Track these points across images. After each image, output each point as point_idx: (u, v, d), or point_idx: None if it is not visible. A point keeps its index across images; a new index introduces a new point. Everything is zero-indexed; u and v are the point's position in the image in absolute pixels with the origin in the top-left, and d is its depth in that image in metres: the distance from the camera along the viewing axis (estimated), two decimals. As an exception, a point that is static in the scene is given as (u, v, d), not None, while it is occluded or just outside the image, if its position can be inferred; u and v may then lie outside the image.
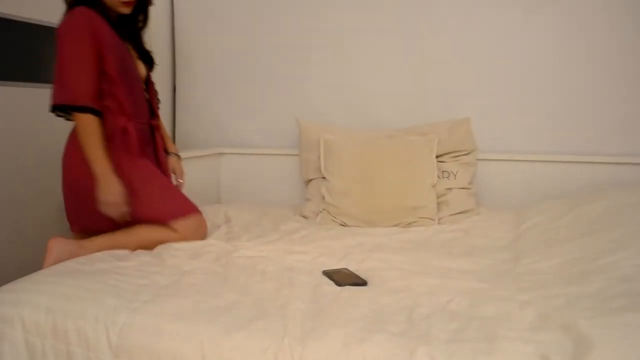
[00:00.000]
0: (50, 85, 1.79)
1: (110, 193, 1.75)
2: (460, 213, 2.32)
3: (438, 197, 2.33)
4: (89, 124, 1.77)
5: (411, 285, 1.45)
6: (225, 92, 2.99)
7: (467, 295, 1.34)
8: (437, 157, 2.38)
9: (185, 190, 2.12)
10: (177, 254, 1.72)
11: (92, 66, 1.76)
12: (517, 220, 2.09)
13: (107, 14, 1.83)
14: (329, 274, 1.55)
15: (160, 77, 3.04)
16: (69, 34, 1.75)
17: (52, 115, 1.86)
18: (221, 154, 2.98)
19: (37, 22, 2.54)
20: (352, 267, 1.65)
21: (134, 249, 1.81)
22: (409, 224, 2.24)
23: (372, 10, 2.66)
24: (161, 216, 1.85)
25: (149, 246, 1.82)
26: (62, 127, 2.01)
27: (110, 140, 1.82)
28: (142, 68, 2.02)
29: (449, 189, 2.36)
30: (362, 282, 1.49)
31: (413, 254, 1.80)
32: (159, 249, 1.79)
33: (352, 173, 2.35)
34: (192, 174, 2.60)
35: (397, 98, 2.66)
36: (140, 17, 2.01)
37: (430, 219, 2.25)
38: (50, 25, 2.56)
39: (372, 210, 2.28)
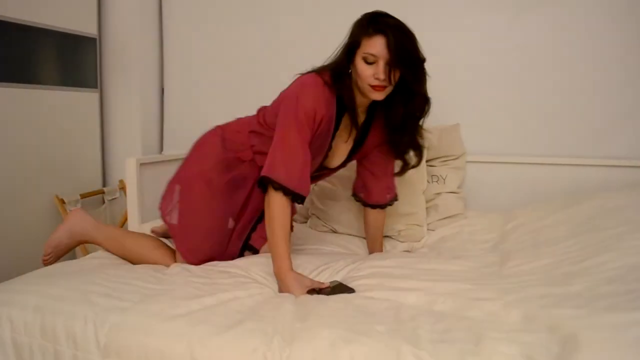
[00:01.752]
0: (36, 86, 1.79)
1: (290, 289, 1.50)
2: (449, 217, 2.33)
3: (427, 201, 2.34)
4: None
5: (398, 287, 1.45)
6: (214, 94, 2.99)
7: (454, 297, 1.35)
8: (426, 161, 2.38)
9: None
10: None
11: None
12: (505, 223, 2.11)
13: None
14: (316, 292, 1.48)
15: (148, 79, 3.05)
16: None
17: (46, 116, 1.87)
18: (209, 155, 2.97)
19: (24, 23, 2.54)
20: (342, 273, 1.65)
21: (128, 254, 1.80)
22: (398, 232, 2.24)
23: (360, 13, 2.67)
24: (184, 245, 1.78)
25: (139, 260, 1.78)
26: (56, 127, 2.01)
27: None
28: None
29: (438, 193, 2.37)
30: (349, 290, 1.47)
31: (400, 257, 1.82)
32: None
33: (340, 177, 2.34)
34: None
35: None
36: None
37: (418, 225, 2.26)
38: (36, 25, 2.56)
39: (362, 216, 2.27)
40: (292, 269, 1.52)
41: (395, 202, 2.04)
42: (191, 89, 3.06)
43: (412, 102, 1.69)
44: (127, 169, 2.30)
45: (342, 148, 1.83)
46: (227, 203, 1.80)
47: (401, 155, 1.83)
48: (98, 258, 1.74)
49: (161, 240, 1.90)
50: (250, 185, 1.83)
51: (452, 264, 1.70)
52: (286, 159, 1.59)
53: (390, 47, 1.54)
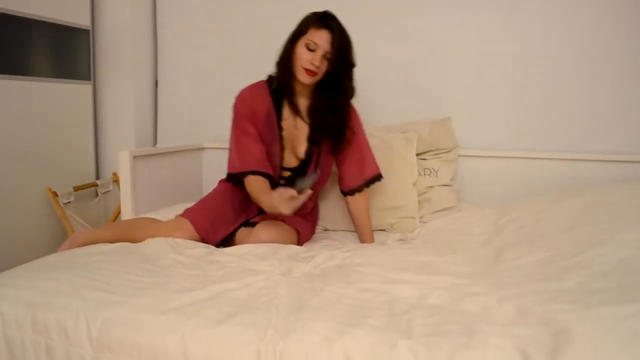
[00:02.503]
0: (29, 78, 1.78)
1: (278, 208, 1.76)
2: (442, 210, 2.33)
3: (419, 195, 2.34)
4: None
5: (393, 278, 1.46)
6: (207, 87, 2.99)
7: (448, 290, 1.35)
8: (418, 155, 2.38)
9: (168, 184, 2.13)
10: (159, 249, 1.72)
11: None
12: (498, 217, 2.11)
13: None
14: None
15: (142, 72, 3.04)
16: None
17: (39, 108, 1.89)
18: (203, 148, 2.97)
19: (16, 14, 2.51)
20: (335, 262, 1.66)
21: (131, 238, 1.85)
22: (390, 225, 2.24)
23: (353, 9, 2.66)
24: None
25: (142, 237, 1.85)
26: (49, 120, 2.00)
27: None
28: None
29: (431, 186, 2.37)
30: (315, 175, 1.77)
31: (394, 250, 1.82)
32: (141, 244, 1.78)
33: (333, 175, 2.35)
34: (174, 168, 2.60)
35: (378, 97, 2.67)
36: None
37: (411, 217, 2.26)
38: (29, 17, 2.54)
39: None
40: (271, 194, 1.80)
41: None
42: (185, 81, 3.05)
43: (342, 93, 1.98)
44: (120, 162, 2.28)
45: (297, 135, 2.03)
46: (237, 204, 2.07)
47: (333, 135, 2.03)
48: (90, 250, 1.73)
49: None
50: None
51: (446, 256, 1.70)
52: (238, 153, 1.97)
53: (333, 43, 1.86)
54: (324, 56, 1.86)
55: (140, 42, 3.02)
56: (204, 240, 1.90)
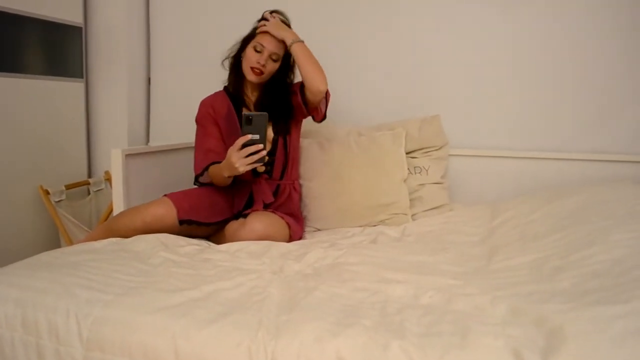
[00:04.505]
0: (21, 75, 1.77)
1: (235, 164, 1.86)
2: (434, 209, 2.33)
3: (411, 193, 2.33)
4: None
5: (385, 279, 1.45)
6: (200, 85, 2.96)
7: (441, 290, 1.35)
8: (408, 153, 2.38)
9: (161, 182, 2.28)
10: (150, 246, 1.71)
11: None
12: (491, 216, 2.11)
13: None
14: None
15: (135, 69, 3.02)
16: None
17: (31, 105, 1.88)
18: (196, 146, 2.96)
19: (8, 11, 2.50)
20: (328, 261, 1.66)
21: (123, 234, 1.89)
22: (382, 221, 2.24)
23: (343, 8, 2.67)
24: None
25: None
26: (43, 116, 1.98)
27: None
28: None
29: (422, 184, 2.37)
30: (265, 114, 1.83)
31: (387, 249, 1.81)
32: (132, 241, 1.77)
33: (322, 174, 2.36)
34: (166, 166, 2.58)
35: (369, 96, 2.68)
36: None
37: (403, 214, 2.26)
38: (21, 13, 2.52)
39: (343, 210, 2.28)
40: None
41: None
42: (178, 79, 3.03)
43: (284, 89, 2.17)
44: (112, 160, 2.27)
45: None
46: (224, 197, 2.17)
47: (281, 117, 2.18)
48: (80, 248, 1.72)
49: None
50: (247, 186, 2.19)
51: (439, 256, 1.70)
52: (198, 154, 2.15)
53: (276, 44, 2.06)
54: (269, 57, 2.07)
55: (133, 40, 3.01)
56: (182, 220, 1.94)
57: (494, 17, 2.47)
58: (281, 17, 2.13)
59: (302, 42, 2.05)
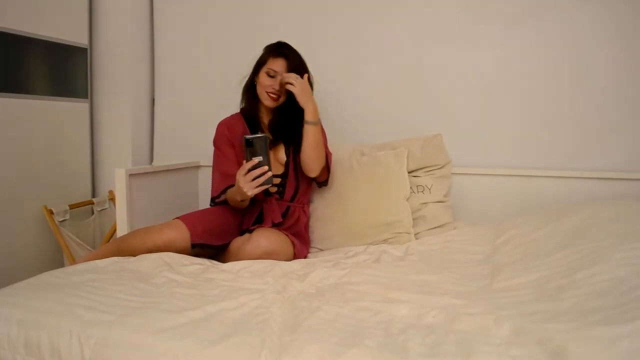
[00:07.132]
0: (27, 96, 1.79)
1: (243, 188, 1.90)
2: (437, 227, 2.33)
3: (414, 212, 2.33)
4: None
5: (388, 299, 1.45)
6: (204, 105, 2.99)
7: (444, 310, 1.34)
8: (410, 172, 2.39)
9: (164, 202, 2.24)
10: (154, 266, 1.71)
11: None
12: (494, 234, 2.11)
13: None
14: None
15: (139, 90, 3.04)
16: None
17: (36, 126, 1.88)
18: (199, 166, 2.97)
19: (14, 32, 2.52)
20: (331, 281, 1.66)
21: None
22: (385, 240, 2.24)
23: (344, 25, 2.69)
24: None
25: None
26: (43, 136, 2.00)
27: None
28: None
29: (425, 203, 2.37)
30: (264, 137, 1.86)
31: (390, 268, 1.81)
32: (135, 260, 1.77)
33: (325, 193, 2.38)
34: (170, 186, 2.59)
35: (371, 115, 2.70)
36: None
37: (406, 232, 2.25)
38: (26, 35, 2.55)
39: (346, 229, 2.29)
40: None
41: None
42: (182, 99, 3.06)
43: (297, 110, 2.13)
44: (116, 180, 2.28)
45: (275, 149, 2.24)
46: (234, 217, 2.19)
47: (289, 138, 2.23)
48: (83, 267, 1.72)
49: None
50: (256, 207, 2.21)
51: (443, 275, 1.69)
52: (216, 176, 2.20)
53: (288, 69, 2.11)
54: (283, 83, 2.10)
55: (137, 61, 3.04)
56: (194, 244, 1.94)
57: (496, 37, 2.49)
58: (309, 78, 2.15)
59: (318, 124, 2.12)
